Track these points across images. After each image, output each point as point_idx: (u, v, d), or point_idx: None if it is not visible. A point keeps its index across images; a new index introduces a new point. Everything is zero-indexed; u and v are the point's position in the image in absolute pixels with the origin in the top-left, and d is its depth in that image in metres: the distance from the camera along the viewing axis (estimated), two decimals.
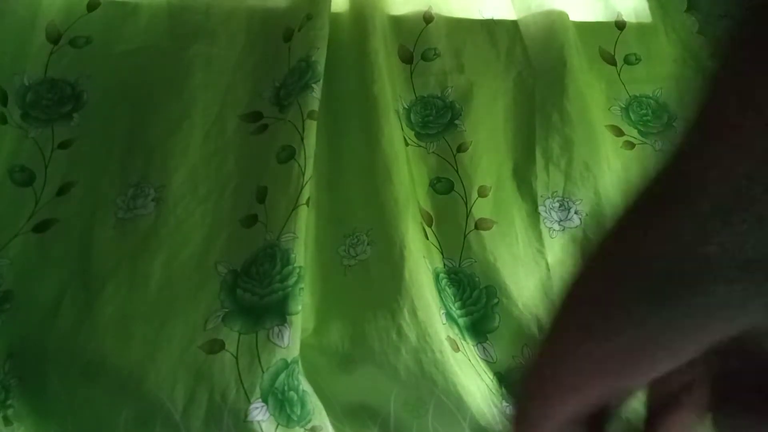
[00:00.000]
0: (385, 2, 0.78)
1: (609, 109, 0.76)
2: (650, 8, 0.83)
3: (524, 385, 0.20)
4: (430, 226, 0.66)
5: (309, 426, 0.53)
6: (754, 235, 0.15)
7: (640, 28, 0.82)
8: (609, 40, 0.80)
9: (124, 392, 0.53)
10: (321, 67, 0.68)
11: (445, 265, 0.64)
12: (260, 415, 0.51)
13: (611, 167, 0.69)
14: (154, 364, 0.53)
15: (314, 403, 0.54)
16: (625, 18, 0.82)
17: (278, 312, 0.55)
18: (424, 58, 0.76)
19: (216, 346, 0.54)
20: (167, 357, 0.54)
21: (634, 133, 0.74)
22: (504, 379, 0.60)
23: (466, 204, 0.67)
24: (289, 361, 0.53)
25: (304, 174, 0.61)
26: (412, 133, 0.72)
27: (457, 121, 0.72)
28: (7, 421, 0.54)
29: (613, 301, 0.17)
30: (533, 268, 0.64)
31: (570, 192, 0.68)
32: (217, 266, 0.60)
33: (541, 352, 0.20)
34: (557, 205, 0.68)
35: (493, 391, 0.58)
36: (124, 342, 0.55)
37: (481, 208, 0.67)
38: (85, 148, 0.66)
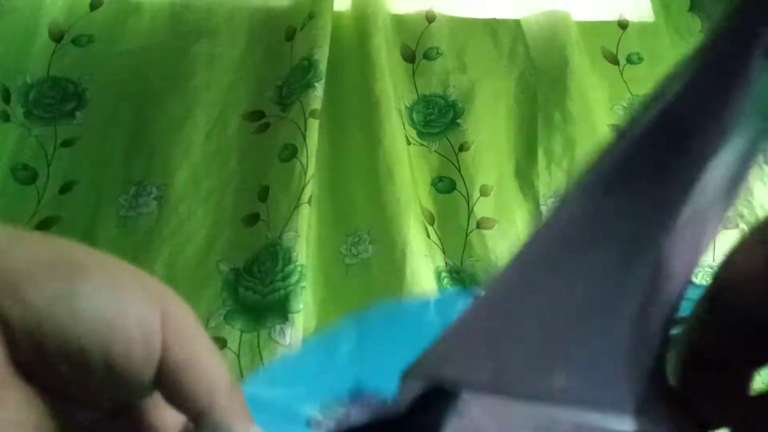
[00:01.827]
0: (387, 1, 0.78)
1: (611, 109, 0.75)
2: (653, 8, 0.83)
3: None
4: (431, 225, 0.66)
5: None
6: None
7: (643, 27, 0.81)
8: (611, 39, 0.80)
9: None
10: (323, 66, 0.68)
11: (446, 264, 0.64)
12: None
13: None
14: None
15: None
16: (628, 17, 0.82)
17: (280, 310, 0.55)
18: (427, 57, 0.76)
19: (218, 345, 0.54)
20: None
21: None
22: None
23: (468, 203, 0.67)
24: None
25: (306, 173, 0.61)
26: (414, 132, 0.72)
27: (459, 120, 0.72)
28: None
29: None
30: None
31: None
32: (219, 265, 0.60)
33: None
34: None
35: None
36: None
37: (483, 208, 0.67)
38: (87, 146, 0.67)
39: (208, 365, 0.18)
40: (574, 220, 0.15)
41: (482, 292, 0.15)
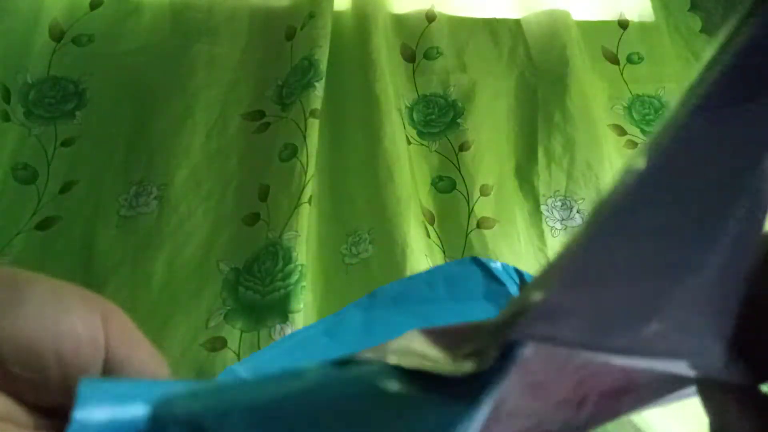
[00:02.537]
0: (387, 1, 0.78)
1: (611, 109, 0.75)
2: (653, 7, 0.83)
3: None
4: (432, 224, 0.66)
5: None
6: None
7: (643, 27, 0.81)
8: (612, 39, 0.80)
9: None
10: (323, 66, 0.68)
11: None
12: None
13: (613, 166, 0.69)
14: None
15: None
16: (628, 17, 0.82)
17: (280, 310, 0.55)
18: (427, 56, 0.76)
19: (218, 344, 0.54)
20: (169, 355, 0.54)
21: (637, 132, 0.74)
22: None
23: (468, 203, 0.67)
24: None
25: (306, 172, 0.61)
26: (414, 131, 0.72)
27: (459, 120, 0.72)
28: None
29: None
30: (535, 267, 0.64)
31: (572, 191, 0.68)
32: (219, 264, 0.60)
33: None
34: (559, 204, 0.68)
35: None
36: None
37: (483, 207, 0.67)
38: (87, 146, 0.67)
39: (149, 362, 0.20)
40: (668, 163, 0.13)
41: (568, 242, 0.14)
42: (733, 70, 0.13)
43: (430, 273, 0.27)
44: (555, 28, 0.77)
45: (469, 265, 0.27)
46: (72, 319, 0.18)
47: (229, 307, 0.57)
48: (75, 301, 0.18)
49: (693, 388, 0.18)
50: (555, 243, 0.66)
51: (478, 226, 0.66)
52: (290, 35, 0.73)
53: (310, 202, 0.61)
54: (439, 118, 0.73)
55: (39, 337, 0.17)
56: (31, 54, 0.70)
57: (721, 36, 0.13)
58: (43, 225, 0.62)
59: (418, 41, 0.77)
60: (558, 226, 0.67)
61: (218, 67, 0.71)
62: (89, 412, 0.14)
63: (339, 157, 0.68)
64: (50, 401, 0.18)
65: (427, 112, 0.73)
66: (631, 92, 0.77)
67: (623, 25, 0.81)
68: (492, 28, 0.79)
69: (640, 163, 0.13)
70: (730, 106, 0.13)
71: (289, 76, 0.70)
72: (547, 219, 0.67)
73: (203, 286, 0.58)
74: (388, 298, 0.26)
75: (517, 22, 0.79)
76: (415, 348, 0.15)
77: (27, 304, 0.17)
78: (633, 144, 0.73)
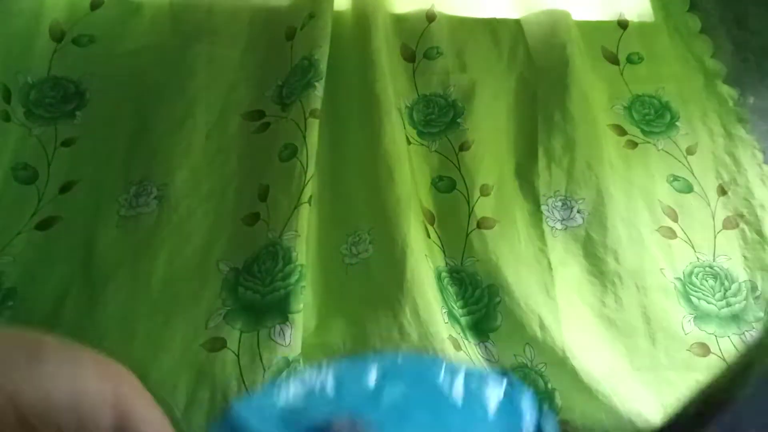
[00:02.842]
0: (387, 1, 0.78)
1: (611, 109, 0.75)
2: (653, 7, 0.83)
3: None
4: (432, 224, 0.66)
5: None
6: None
7: (643, 27, 0.81)
8: (611, 39, 0.80)
9: None
10: (323, 66, 0.68)
11: (447, 263, 0.64)
12: None
13: (613, 166, 0.69)
14: (156, 362, 0.54)
15: None
16: (628, 17, 0.82)
17: (280, 310, 0.55)
18: (427, 56, 0.76)
19: (217, 345, 0.54)
20: (169, 355, 0.54)
21: (637, 132, 0.74)
22: None
23: (468, 203, 0.67)
24: (290, 359, 0.53)
25: (306, 172, 0.61)
26: (414, 131, 0.72)
27: (459, 120, 0.72)
28: None
29: None
30: (535, 267, 0.64)
31: (572, 191, 0.68)
32: (219, 264, 0.60)
33: None
34: (559, 204, 0.68)
35: None
36: (126, 340, 0.55)
37: (484, 207, 0.67)
38: (88, 146, 0.67)
39: (157, 421, 0.21)
40: None
41: None
42: None
43: (452, 371, 0.28)
44: (555, 28, 0.77)
45: (491, 376, 0.27)
46: (87, 378, 0.19)
47: (228, 308, 0.57)
48: (89, 362, 0.19)
49: None
50: (555, 243, 0.66)
51: (479, 226, 0.66)
52: (290, 35, 0.73)
53: (310, 202, 0.61)
54: (439, 118, 0.73)
55: (57, 394, 0.18)
56: (31, 54, 0.70)
57: None
58: (43, 225, 0.62)
59: (418, 41, 0.77)
60: (558, 226, 0.67)
61: (218, 68, 0.71)
62: None
63: (339, 157, 0.68)
64: None
65: (427, 112, 0.73)
66: (630, 92, 0.77)
67: (623, 25, 0.81)
68: (492, 28, 0.79)
69: None
70: None
71: (289, 76, 0.70)
72: (548, 219, 0.67)
73: (203, 286, 0.58)
74: (408, 371, 0.27)
75: (517, 22, 0.79)
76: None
77: (45, 364, 0.18)
78: (633, 144, 0.73)
